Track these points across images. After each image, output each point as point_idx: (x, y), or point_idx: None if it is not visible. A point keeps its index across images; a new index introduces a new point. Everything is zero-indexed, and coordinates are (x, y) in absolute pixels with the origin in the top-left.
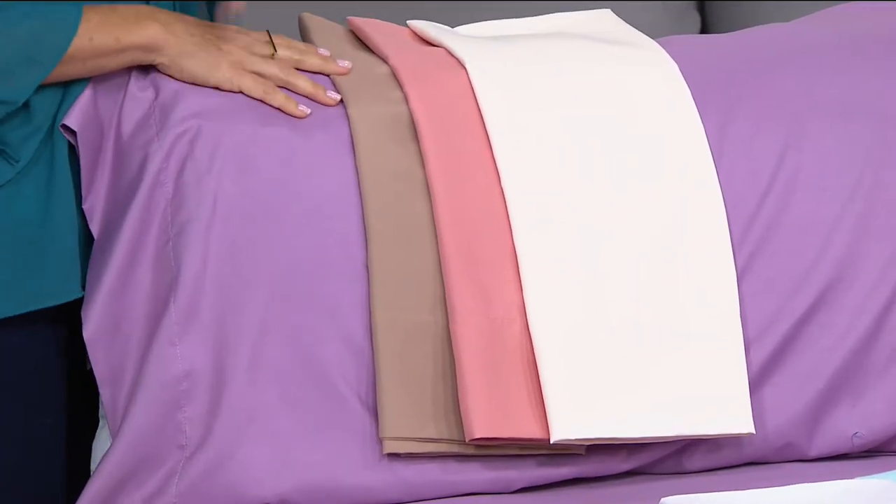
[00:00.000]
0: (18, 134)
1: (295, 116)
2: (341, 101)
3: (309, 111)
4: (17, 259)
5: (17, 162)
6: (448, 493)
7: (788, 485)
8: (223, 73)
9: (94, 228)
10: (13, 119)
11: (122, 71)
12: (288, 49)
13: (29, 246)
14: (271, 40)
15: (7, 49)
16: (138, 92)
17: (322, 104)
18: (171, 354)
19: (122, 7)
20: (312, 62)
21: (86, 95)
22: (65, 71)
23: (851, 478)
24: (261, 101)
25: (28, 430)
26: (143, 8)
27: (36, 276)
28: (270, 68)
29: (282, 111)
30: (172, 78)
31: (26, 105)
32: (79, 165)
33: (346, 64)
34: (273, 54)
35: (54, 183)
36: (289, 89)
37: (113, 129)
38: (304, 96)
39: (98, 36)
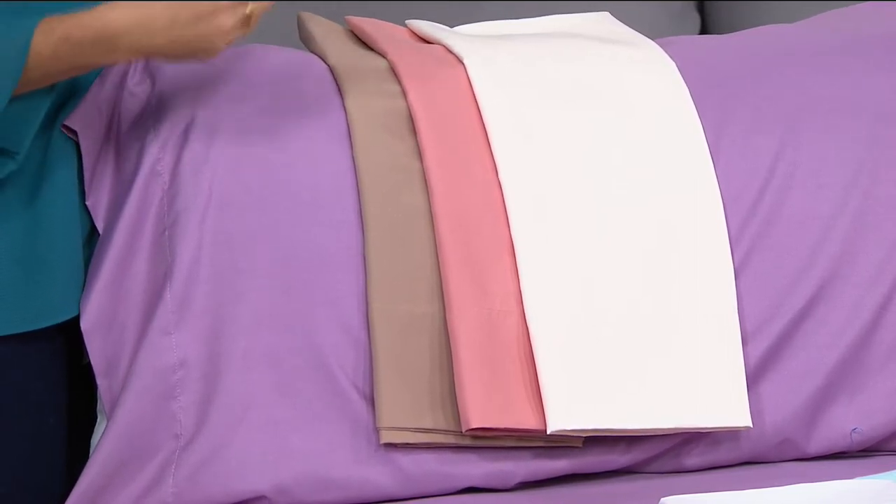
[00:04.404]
0: (15, 126)
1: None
2: (339, 93)
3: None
4: (11, 274)
5: (18, 154)
6: (445, 485)
7: (787, 484)
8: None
9: (99, 224)
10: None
11: (119, 67)
12: None
13: (23, 260)
14: None
15: None
16: (135, 86)
17: None
18: (165, 343)
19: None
20: None
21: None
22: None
23: (850, 477)
24: None
25: (29, 429)
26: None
27: (32, 295)
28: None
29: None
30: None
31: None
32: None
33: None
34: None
35: (49, 189)
36: None
37: (114, 125)
38: None
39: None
